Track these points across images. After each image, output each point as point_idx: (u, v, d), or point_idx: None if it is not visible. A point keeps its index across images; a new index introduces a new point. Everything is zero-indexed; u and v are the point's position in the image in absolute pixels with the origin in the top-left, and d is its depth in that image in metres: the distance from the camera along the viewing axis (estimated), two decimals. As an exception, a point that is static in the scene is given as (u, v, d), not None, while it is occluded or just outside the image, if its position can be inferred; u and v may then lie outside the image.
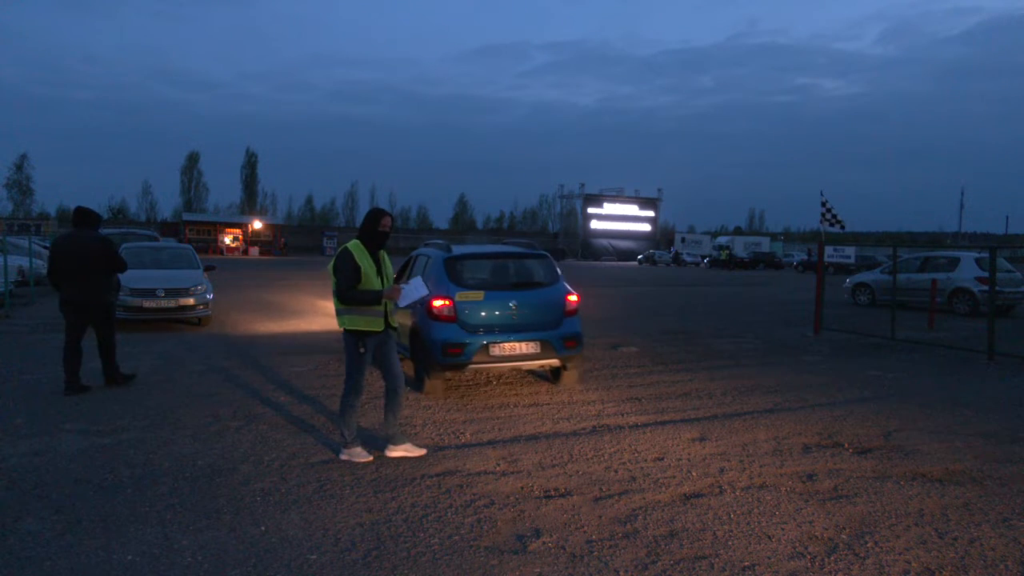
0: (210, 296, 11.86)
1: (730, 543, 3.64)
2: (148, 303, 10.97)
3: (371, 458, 4.88)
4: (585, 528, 3.80)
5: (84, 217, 7.06)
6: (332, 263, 4.96)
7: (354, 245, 4.94)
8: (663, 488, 4.44)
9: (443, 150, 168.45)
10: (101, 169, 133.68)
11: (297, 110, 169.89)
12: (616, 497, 4.27)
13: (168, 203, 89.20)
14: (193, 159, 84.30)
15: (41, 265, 19.61)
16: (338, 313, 4.97)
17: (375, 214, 5.03)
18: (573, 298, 7.19)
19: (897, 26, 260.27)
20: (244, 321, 12.78)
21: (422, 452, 5.03)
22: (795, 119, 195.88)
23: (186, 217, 66.73)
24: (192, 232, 59.66)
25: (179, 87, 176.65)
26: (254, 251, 58.44)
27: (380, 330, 4.94)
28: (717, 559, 3.45)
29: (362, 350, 4.91)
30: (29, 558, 3.34)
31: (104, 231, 7.72)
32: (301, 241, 68.20)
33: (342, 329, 4.97)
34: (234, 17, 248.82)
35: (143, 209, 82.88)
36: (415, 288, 5.10)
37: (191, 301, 11.41)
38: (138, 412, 6.08)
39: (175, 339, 10.37)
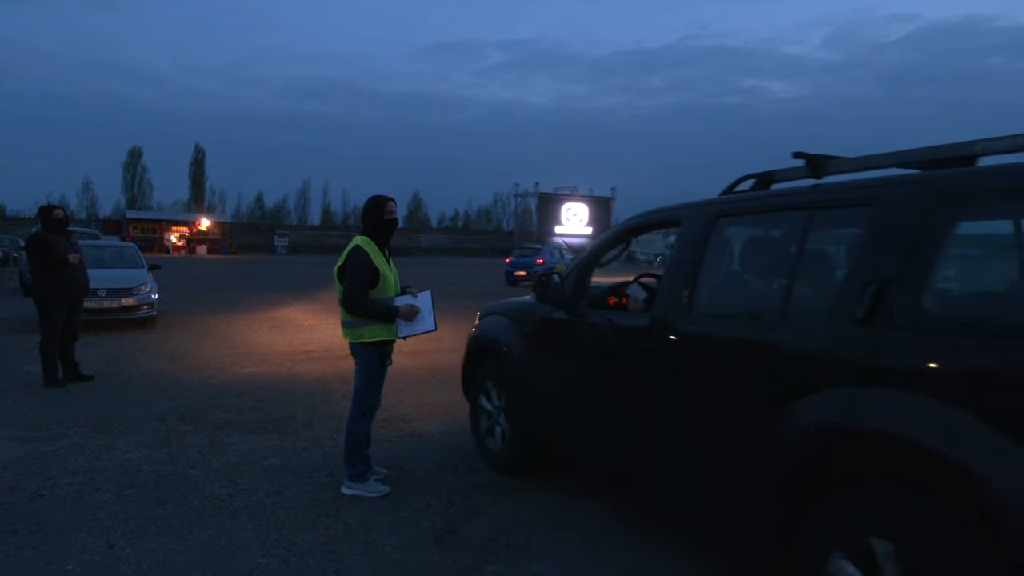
0: (155, 296, 11.50)
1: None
2: (88, 303, 10.54)
3: (389, 489, 4.24)
4: (534, 522, 3.81)
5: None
6: (339, 264, 4.16)
7: (365, 242, 4.14)
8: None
9: (397, 147, 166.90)
10: (38, 164, 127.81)
11: (247, 105, 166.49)
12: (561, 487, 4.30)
13: (110, 200, 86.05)
14: (135, 155, 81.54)
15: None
16: (349, 325, 4.18)
17: (379, 201, 4.26)
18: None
19: (841, 31, 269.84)
20: (191, 321, 12.43)
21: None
22: (744, 120, 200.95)
23: (130, 215, 64.52)
24: (136, 230, 57.74)
25: (123, 81, 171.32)
26: (201, 250, 56.87)
27: (395, 337, 4.29)
28: (671, 552, 3.49)
29: (389, 362, 4.30)
30: (-40, 572, 3.18)
31: (37, 228, 7.59)
32: (251, 239, 66.67)
33: (353, 342, 4.22)
34: (181, 9, 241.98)
35: (83, 206, 79.95)
36: (424, 315, 4.28)
37: (134, 301, 11.06)
38: (78, 417, 5.85)
39: (118, 340, 10.01)
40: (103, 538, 3.55)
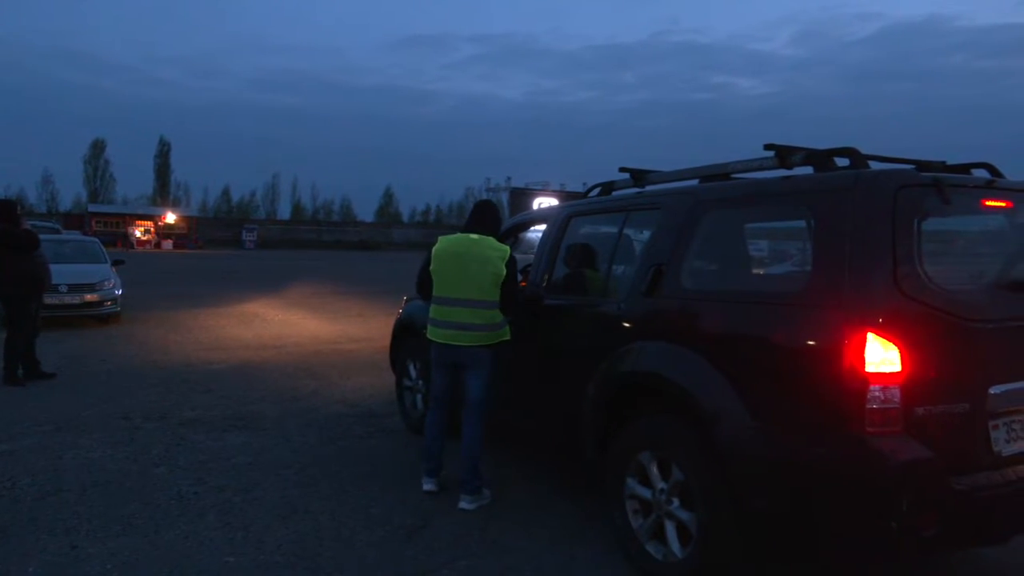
0: (118, 292, 11.27)
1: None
2: (50, 300, 10.28)
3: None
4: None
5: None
6: (499, 267, 3.86)
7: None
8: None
9: (368, 141, 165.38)
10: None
11: (215, 97, 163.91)
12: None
13: (71, 193, 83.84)
14: (98, 147, 79.87)
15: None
16: (494, 327, 3.99)
17: (500, 213, 4.27)
18: None
19: (808, 29, 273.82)
20: (156, 317, 12.20)
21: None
22: (713, 117, 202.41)
23: (92, 208, 63.11)
24: (99, 224, 56.44)
25: (85, 71, 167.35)
26: (167, 244, 55.77)
27: None
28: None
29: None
30: (-85, 576, 3.09)
31: None
32: (218, 234, 65.65)
33: (486, 344, 4.00)
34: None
35: (43, 200, 78.02)
36: None
37: (97, 297, 10.83)
38: (40, 416, 5.70)
39: (80, 337, 9.79)
40: (66, 539, 3.48)
